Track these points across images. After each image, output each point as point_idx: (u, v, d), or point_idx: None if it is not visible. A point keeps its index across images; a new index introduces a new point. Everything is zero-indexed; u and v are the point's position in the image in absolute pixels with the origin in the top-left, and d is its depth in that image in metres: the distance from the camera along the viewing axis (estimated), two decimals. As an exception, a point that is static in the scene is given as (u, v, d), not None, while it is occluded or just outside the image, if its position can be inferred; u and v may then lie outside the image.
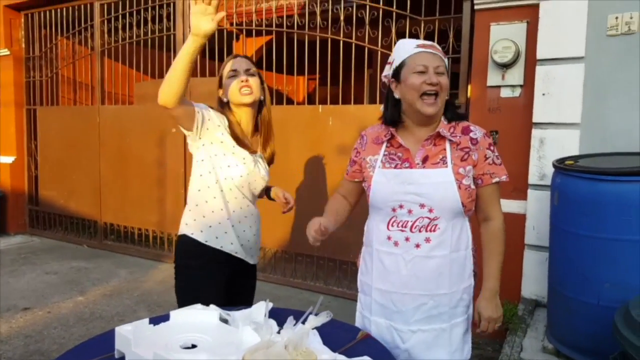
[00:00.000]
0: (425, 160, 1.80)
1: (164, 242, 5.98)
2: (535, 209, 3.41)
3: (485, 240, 1.90)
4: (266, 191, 2.52)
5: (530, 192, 3.43)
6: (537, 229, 3.41)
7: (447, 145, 1.80)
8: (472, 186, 1.81)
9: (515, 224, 3.47)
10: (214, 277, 2.30)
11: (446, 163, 1.78)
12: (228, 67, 2.33)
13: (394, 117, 1.86)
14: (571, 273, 2.68)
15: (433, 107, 1.74)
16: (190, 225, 2.31)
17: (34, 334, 3.85)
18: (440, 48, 1.82)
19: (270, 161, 2.50)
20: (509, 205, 3.53)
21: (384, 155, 1.88)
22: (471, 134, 1.82)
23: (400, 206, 1.79)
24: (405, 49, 1.81)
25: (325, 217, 1.92)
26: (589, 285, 2.57)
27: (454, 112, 1.86)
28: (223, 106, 2.35)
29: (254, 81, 2.30)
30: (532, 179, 3.39)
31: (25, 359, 3.47)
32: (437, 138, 1.82)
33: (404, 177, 1.79)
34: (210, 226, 2.28)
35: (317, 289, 4.87)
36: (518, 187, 3.48)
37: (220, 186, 2.27)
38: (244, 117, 2.36)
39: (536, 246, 3.43)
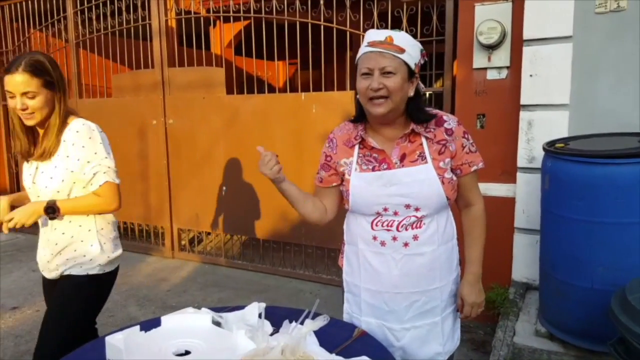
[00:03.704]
0: (402, 158, 1.72)
1: (150, 235, 5.90)
2: (524, 192, 3.38)
3: (467, 225, 1.89)
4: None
5: (519, 175, 3.40)
6: (526, 212, 3.39)
7: (423, 141, 1.72)
8: (454, 178, 1.76)
9: (504, 207, 3.45)
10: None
11: (425, 159, 1.71)
12: (5, 84, 2.04)
13: (359, 115, 1.79)
14: (564, 256, 2.67)
15: (382, 107, 1.64)
16: None
17: (23, 334, 3.78)
18: (397, 42, 1.63)
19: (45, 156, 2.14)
20: (498, 189, 3.52)
21: (359, 157, 1.78)
22: (445, 125, 1.74)
23: (385, 209, 1.72)
24: (361, 47, 1.70)
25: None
26: (583, 269, 2.56)
27: (420, 114, 1.73)
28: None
29: (34, 103, 2.05)
30: (521, 162, 3.36)
31: (16, 359, 3.41)
32: (411, 134, 1.73)
33: (386, 178, 1.70)
34: None
35: (306, 277, 4.85)
36: (507, 171, 3.46)
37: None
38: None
39: (526, 229, 3.41)
